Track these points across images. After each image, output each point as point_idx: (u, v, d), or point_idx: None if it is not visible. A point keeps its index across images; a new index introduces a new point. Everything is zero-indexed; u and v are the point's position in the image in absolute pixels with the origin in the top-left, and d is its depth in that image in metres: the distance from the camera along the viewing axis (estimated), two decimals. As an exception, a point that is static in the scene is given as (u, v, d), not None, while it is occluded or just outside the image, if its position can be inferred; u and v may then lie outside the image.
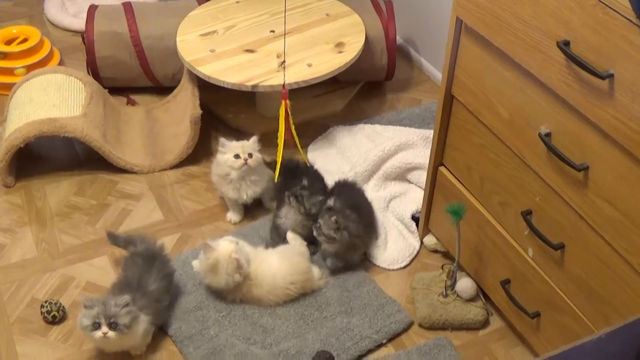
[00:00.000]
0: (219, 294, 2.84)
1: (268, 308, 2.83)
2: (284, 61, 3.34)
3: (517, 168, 2.41)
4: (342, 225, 2.88)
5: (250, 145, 3.08)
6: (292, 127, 3.01)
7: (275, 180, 3.09)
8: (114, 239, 2.97)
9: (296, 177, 3.10)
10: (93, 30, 3.70)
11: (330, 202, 2.99)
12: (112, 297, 2.59)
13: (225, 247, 2.77)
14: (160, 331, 2.76)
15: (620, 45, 1.84)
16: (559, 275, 2.37)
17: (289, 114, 2.98)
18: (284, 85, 3.12)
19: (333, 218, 2.87)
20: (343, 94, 3.89)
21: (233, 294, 2.82)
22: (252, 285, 2.81)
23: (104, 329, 2.51)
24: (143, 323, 2.62)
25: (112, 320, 2.52)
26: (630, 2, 1.79)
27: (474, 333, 2.82)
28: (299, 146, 3.06)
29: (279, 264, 2.85)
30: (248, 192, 3.13)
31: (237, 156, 3.03)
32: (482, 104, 2.47)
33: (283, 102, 2.96)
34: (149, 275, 2.72)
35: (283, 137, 2.99)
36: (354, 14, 3.73)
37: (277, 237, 3.06)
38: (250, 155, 3.04)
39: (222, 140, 3.08)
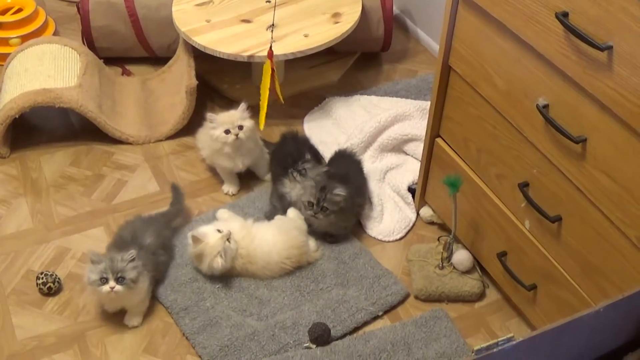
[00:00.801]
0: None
1: (264, 280, 2.83)
2: (272, 24, 3.34)
3: (514, 140, 2.40)
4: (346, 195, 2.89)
5: (239, 115, 3.06)
6: (277, 82, 3.13)
7: (261, 129, 3.18)
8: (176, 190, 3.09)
9: (294, 148, 3.10)
10: (88, 0, 3.67)
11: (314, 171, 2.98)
12: (119, 252, 2.61)
13: (213, 242, 2.75)
14: (156, 303, 2.76)
15: (619, 17, 1.82)
16: (556, 247, 2.37)
17: (274, 70, 3.10)
18: (270, 46, 3.16)
19: (339, 194, 2.87)
20: (339, 65, 3.87)
21: (227, 272, 2.82)
22: (246, 263, 2.81)
23: (112, 283, 2.54)
24: (146, 279, 2.66)
25: (119, 275, 2.54)
26: (630, -27, 1.78)
27: (470, 305, 2.82)
28: (280, 97, 3.21)
29: (274, 239, 2.84)
30: (244, 161, 3.13)
31: (227, 131, 3.01)
32: (479, 75, 2.46)
33: (268, 60, 3.09)
34: (143, 232, 2.76)
35: (267, 90, 3.12)
36: (351, -16, 3.71)
37: (278, 205, 3.05)
38: (240, 127, 3.02)
39: (210, 115, 3.06)
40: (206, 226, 2.82)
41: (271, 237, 2.85)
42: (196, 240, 2.75)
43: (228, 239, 2.76)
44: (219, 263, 2.73)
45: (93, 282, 2.55)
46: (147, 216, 2.94)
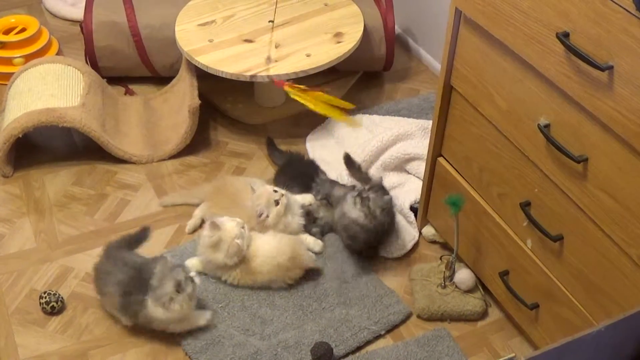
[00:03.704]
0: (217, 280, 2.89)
1: (267, 299, 2.83)
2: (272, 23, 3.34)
3: (516, 159, 2.41)
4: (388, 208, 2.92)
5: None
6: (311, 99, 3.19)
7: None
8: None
9: (300, 170, 3.15)
10: (91, 19, 3.69)
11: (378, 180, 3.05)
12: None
13: (230, 228, 2.80)
14: (158, 322, 2.77)
15: (620, 37, 1.83)
16: (558, 266, 2.38)
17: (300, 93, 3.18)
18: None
19: (387, 197, 2.93)
20: (341, 84, 3.88)
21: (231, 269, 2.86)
22: (250, 257, 2.85)
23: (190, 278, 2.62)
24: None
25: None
26: (630, -6, 1.79)
27: (472, 324, 2.82)
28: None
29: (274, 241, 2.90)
30: None
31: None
32: (481, 95, 2.47)
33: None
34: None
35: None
36: (353, 3, 3.73)
37: None
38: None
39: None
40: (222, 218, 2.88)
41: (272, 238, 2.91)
42: (215, 227, 2.79)
43: (243, 227, 2.82)
44: (237, 245, 2.77)
45: (171, 295, 2.56)
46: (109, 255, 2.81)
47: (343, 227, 2.96)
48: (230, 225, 2.81)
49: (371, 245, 2.98)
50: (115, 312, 2.72)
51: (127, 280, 2.63)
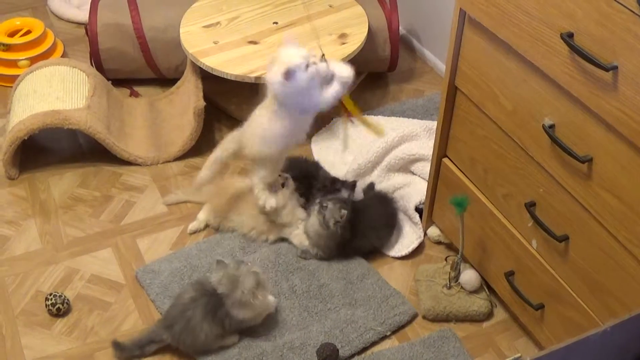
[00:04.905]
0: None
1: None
2: (323, 55, 3.19)
3: (521, 160, 2.41)
4: (343, 223, 2.91)
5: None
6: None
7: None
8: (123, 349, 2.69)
9: (305, 175, 3.16)
10: (96, 22, 3.69)
11: (346, 194, 3.05)
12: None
13: (292, 53, 2.70)
14: (164, 323, 2.76)
15: (624, 37, 1.84)
16: (563, 267, 2.37)
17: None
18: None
19: (343, 211, 2.89)
20: (346, 85, 3.88)
21: None
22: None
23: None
24: None
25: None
26: (634, -6, 1.79)
27: (478, 325, 2.82)
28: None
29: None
30: None
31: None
32: (485, 96, 2.47)
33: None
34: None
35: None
36: (357, 5, 3.73)
37: None
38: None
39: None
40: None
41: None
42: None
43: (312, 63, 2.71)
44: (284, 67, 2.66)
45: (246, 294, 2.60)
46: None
47: (307, 233, 3.01)
48: (291, 51, 2.70)
49: (331, 252, 3.00)
50: (214, 344, 2.67)
51: (207, 307, 2.60)
